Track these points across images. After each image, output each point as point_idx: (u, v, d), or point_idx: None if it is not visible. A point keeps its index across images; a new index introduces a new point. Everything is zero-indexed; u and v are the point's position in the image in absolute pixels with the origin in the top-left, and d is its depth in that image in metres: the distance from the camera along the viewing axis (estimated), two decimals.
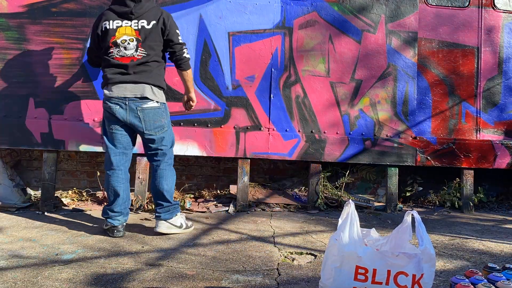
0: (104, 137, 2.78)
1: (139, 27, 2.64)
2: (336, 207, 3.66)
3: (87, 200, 3.67)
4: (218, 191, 4.05)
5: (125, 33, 2.63)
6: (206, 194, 3.95)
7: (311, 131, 3.61)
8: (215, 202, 3.72)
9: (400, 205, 3.73)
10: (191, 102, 2.98)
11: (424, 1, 3.68)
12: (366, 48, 3.63)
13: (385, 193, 3.75)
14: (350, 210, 1.61)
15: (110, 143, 2.74)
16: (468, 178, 3.74)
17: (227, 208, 3.53)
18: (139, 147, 3.49)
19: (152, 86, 2.69)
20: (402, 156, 3.66)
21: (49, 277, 1.96)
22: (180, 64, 2.79)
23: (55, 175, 3.47)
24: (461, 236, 2.87)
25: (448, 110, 3.71)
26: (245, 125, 3.57)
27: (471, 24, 3.72)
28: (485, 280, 1.64)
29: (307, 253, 2.40)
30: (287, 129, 3.59)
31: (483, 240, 2.75)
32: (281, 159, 3.73)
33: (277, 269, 2.13)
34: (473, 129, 3.73)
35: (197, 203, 3.63)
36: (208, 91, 3.55)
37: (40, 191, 3.55)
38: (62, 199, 3.57)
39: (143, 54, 2.65)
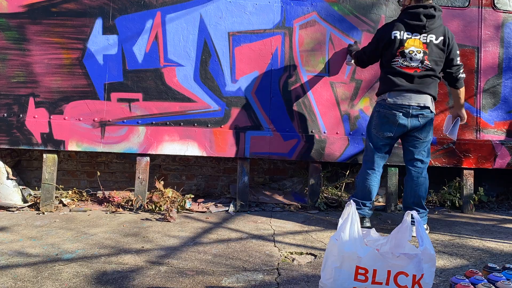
0: (370, 138, 2.99)
1: (428, 41, 2.81)
2: (336, 207, 3.66)
3: (87, 200, 3.67)
4: (218, 191, 4.05)
5: (414, 45, 2.80)
6: (206, 194, 3.95)
7: (311, 131, 3.61)
8: (215, 202, 3.72)
9: (400, 205, 3.73)
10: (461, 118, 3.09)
11: None
12: None
13: (385, 193, 3.75)
14: (351, 210, 1.60)
15: (376, 145, 2.95)
16: (468, 178, 3.74)
17: (227, 208, 3.53)
18: (139, 147, 3.50)
19: (432, 98, 2.85)
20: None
21: (49, 277, 1.96)
22: (456, 84, 2.97)
23: (55, 175, 3.47)
24: (461, 236, 2.87)
25: (448, 110, 3.71)
26: (245, 125, 3.57)
27: (471, 24, 3.72)
28: (485, 280, 1.64)
29: (307, 253, 2.40)
30: (287, 129, 3.59)
31: (483, 240, 2.75)
32: (281, 159, 3.73)
33: (277, 269, 2.13)
34: (473, 129, 3.73)
35: (197, 203, 3.63)
36: (208, 91, 3.55)
37: (40, 191, 3.55)
38: (62, 199, 3.58)
39: (427, 67, 2.80)
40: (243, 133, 3.56)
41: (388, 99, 2.83)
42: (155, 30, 3.51)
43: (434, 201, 3.87)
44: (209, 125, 3.55)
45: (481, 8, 3.72)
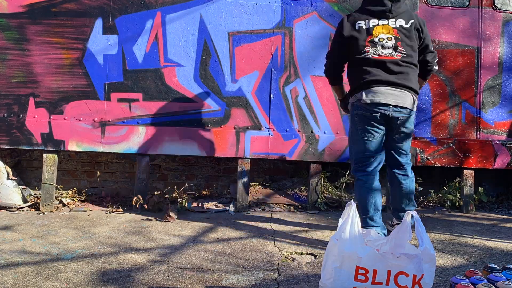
0: (355, 141, 2.62)
1: (397, 25, 2.53)
2: (336, 207, 3.66)
3: (87, 200, 3.67)
4: (218, 191, 4.05)
5: (383, 32, 2.51)
6: (206, 194, 3.96)
7: (311, 131, 3.61)
8: (215, 202, 3.72)
9: None
10: None
11: (424, 1, 3.68)
12: None
13: (385, 193, 3.75)
14: (351, 211, 1.60)
15: (364, 147, 2.55)
16: (468, 178, 3.74)
17: (227, 208, 3.53)
18: (139, 147, 3.50)
19: (413, 95, 2.54)
20: None
21: (50, 277, 1.96)
22: (426, 76, 2.71)
23: (55, 175, 3.47)
24: (461, 235, 2.87)
25: (448, 110, 3.71)
26: (245, 125, 3.58)
27: (471, 24, 3.72)
28: (485, 280, 1.64)
29: (307, 253, 2.40)
30: (287, 129, 3.60)
31: (483, 240, 2.75)
32: (281, 159, 3.73)
33: (277, 269, 2.13)
34: (473, 129, 3.73)
35: (197, 203, 3.63)
36: (208, 91, 3.55)
37: (40, 191, 3.55)
38: (62, 199, 3.58)
39: (403, 54, 2.51)
40: (243, 133, 3.56)
41: (364, 98, 2.49)
42: (155, 30, 3.51)
43: (434, 201, 3.87)
44: (209, 125, 3.56)
45: (481, 8, 3.72)
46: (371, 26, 2.53)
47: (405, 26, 2.53)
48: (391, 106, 2.48)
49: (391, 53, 2.50)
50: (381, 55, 2.49)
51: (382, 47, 2.50)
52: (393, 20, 2.54)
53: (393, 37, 2.51)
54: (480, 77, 3.73)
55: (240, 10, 3.57)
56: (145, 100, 3.51)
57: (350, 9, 3.62)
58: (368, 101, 2.49)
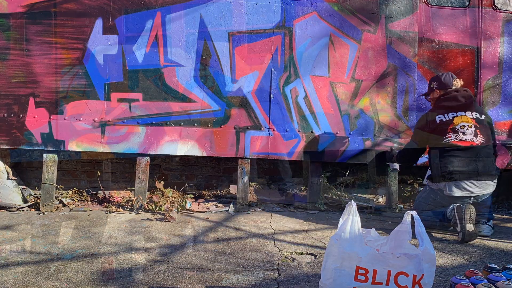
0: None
1: (474, 116, 2.90)
2: (336, 207, 3.66)
3: (87, 200, 3.68)
4: (218, 191, 4.06)
5: (462, 120, 2.88)
6: (206, 194, 3.96)
7: (311, 131, 3.61)
8: (215, 202, 3.72)
9: (400, 205, 3.73)
10: None
11: (424, 1, 3.68)
12: (366, 48, 3.63)
13: (385, 193, 3.75)
14: (351, 211, 1.60)
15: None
16: None
17: (227, 208, 3.53)
18: (139, 147, 3.50)
19: (493, 181, 2.87)
20: None
21: (50, 277, 1.96)
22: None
23: (55, 175, 3.47)
24: None
25: None
26: (245, 125, 3.58)
27: (472, 24, 3.72)
28: (485, 280, 1.64)
29: (307, 253, 2.41)
30: (287, 129, 3.60)
31: (483, 240, 2.75)
32: (281, 159, 3.73)
33: (277, 269, 2.13)
34: None
35: (197, 203, 3.63)
36: (208, 91, 3.55)
37: (40, 191, 3.55)
38: (62, 199, 3.58)
39: (482, 141, 2.86)
40: (243, 133, 3.56)
41: (448, 191, 2.85)
42: (155, 30, 3.51)
43: None
44: (209, 125, 3.55)
45: (481, 8, 3.72)
46: (450, 118, 2.90)
47: (480, 117, 2.91)
48: (472, 196, 2.88)
49: (471, 138, 2.86)
50: (462, 141, 2.85)
51: (464, 133, 2.85)
52: (469, 112, 2.91)
53: (473, 125, 2.87)
54: (480, 77, 3.73)
55: (240, 10, 3.57)
56: (145, 100, 3.51)
57: (350, 9, 3.62)
58: (451, 195, 2.87)
